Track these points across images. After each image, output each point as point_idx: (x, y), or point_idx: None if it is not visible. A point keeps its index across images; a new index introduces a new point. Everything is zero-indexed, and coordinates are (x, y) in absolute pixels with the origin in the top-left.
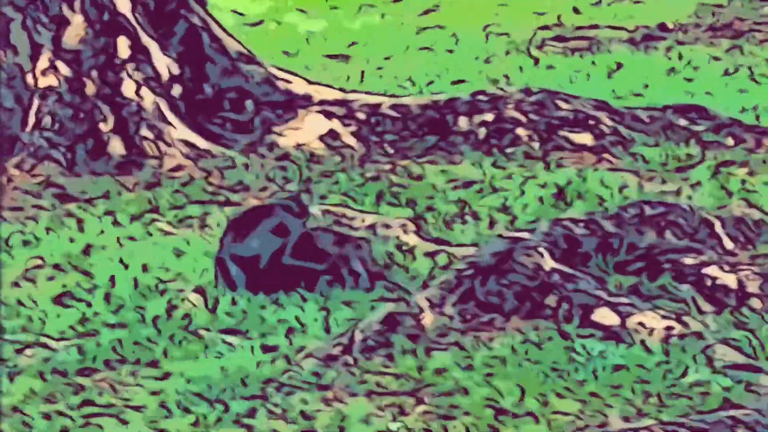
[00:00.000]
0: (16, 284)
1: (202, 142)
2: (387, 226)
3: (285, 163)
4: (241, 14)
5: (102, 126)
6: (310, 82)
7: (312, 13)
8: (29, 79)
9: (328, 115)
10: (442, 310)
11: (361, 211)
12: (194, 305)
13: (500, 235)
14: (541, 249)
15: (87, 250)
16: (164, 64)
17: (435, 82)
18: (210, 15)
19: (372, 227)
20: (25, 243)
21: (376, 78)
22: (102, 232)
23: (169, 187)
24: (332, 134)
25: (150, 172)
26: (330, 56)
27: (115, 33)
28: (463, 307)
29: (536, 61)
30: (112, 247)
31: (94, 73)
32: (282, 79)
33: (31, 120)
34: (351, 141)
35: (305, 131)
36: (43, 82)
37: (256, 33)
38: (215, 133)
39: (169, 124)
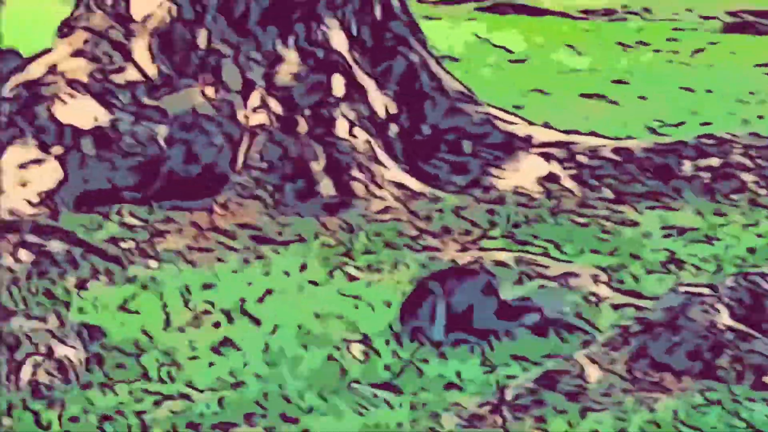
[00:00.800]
0: (181, 329)
1: (415, 184)
2: (578, 276)
3: (495, 206)
4: (509, 51)
5: (313, 166)
6: (531, 123)
7: (580, 50)
8: (240, 116)
9: (548, 158)
10: (611, 367)
11: (557, 259)
12: (355, 357)
13: (677, 289)
14: (718, 305)
15: (263, 296)
16: (381, 103)
17: (686, 123)
18: (429, 52)
19: (563, 277)
20: (205, 287)
21: (628, 117)
22: (286, 275)
23: (370, 229)
24: (551, 177)
25: (356, 214)
26: (586, 95)
27: (330, 70)
28: (633, 365)
29: None
30: (290, 292)
31: (307, 112)
32: (502, 120)
33: (240, 158)
34: (570, 184)
35: (523, 174)
36: (254, 119)
37: (517, 70)
38: (431, 175)
39: (382, 164)
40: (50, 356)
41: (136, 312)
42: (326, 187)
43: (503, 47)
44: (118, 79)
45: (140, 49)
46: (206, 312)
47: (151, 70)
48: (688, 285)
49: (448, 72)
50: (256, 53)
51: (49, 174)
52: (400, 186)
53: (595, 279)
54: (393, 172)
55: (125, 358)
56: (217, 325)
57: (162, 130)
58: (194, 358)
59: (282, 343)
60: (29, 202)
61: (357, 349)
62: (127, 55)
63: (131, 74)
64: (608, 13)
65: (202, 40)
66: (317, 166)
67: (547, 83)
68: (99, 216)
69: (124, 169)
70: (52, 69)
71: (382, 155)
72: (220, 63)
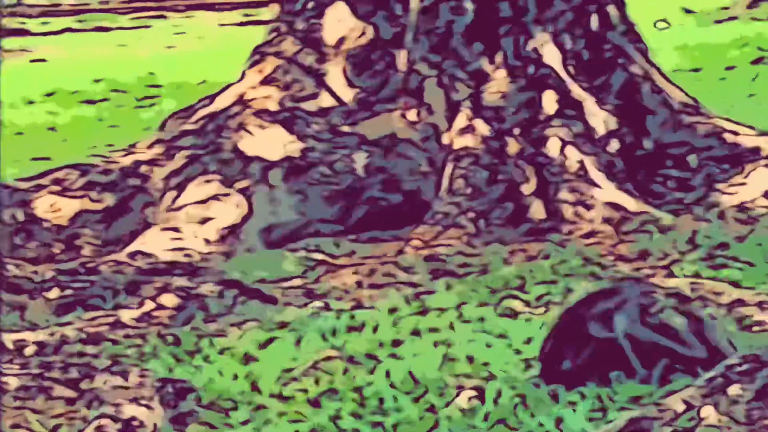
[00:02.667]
0: (294, 379)
1: (631, 203)
2: (747, 304)
3: (705, 224)
4: None
5: (524, 188)
6: (762, 134)
7: None
8: (445, 139)
9: None
10: (728, 410)
11: (737, 285)
12: (459, 407)
13: None
14: None
15: (403, 339)
16: (600, 119)
17: None
18: (651, 63)
19: (733, 304)
20: (350, 329)
21: None
22: (441, 313)
23: (558, 257)
24: None
25: (558, 240)
26: None
27: (542, 87)
28: (753, 407)
29: None
30: (436, 333)
31: (516, 132)
32: (729, 131)
33: (444, 184)
34: None
35: (750, 188)
36: (460, 142)
37: None
38: (653, 192)
39: (595, 184)
40: (117, 417)
41: (257, 360)
42: (536, 211)
43: None
44: (310, 106)
45: (334, 73)
46: (328, 358)
47: (347, 95)
48: None
49: (671, 82)
50: (460, 72)
51: (231, 209)
52: (614, 206)
53: (761, 306)
54: (607, 191)
55: (216, 415)
56: (330, 373)
57: (360, 158)
58: (284, 413)
59: (385, 393)
60: (206, 240)
61: (464, 396)
62: (320, 81)
63: (325, 100)
64: None
65: (401, 61)
66: (527, 189)
67: None
68: (284, 251)
69: (317, 200)
70: (240, 99)
71: (595, 174)
72: (422, 84)
